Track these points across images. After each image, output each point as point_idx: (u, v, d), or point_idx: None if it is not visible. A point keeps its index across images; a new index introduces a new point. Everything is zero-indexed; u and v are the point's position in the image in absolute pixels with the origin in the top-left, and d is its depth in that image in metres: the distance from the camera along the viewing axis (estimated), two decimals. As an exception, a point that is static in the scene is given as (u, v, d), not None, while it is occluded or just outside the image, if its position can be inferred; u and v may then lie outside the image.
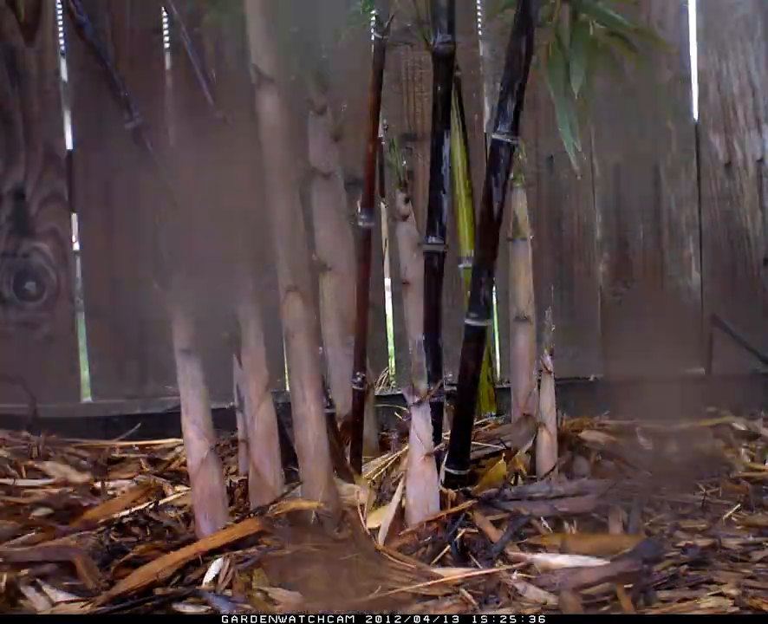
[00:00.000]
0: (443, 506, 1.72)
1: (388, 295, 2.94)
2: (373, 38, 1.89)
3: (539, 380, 1.98)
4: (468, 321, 1.81)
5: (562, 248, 2.90)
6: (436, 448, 1.76)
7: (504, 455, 1.96)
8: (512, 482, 1.87)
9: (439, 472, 1.77)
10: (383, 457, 1.92)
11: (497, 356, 2.77)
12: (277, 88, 1.70)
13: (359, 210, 1.94)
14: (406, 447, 1.78)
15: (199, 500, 1.70)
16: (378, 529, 1.67)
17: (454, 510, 1.70)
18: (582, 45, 1.87)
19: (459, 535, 1.63)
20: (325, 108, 1.95)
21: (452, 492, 1.76)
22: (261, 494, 1.72)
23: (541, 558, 1.60)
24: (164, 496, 1.98)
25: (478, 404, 2.21)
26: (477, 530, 1.66)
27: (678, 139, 2.90)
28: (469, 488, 1.81)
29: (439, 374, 1.86)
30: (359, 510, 1.70)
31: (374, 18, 1.88)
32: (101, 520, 1.84)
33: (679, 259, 2.92)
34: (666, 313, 2.92)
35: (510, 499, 1.77)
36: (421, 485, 1.73)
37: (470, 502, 1.73)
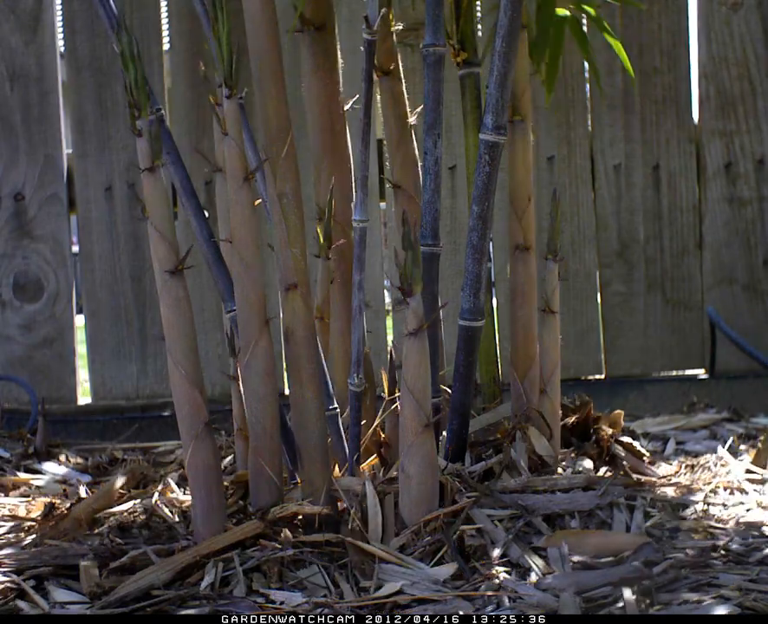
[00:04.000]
0: (442, 498, 1.67)
1: (387, 294, 2.94)
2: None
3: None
4: (461, 322, 1.80)
5: (563, 248, 2.89)
6: (435, 418, 1.61)
7: (501, 438, 1.91)
8: (504, 469, 1.82)
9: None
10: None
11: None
12: None
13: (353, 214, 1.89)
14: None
15: (194, 480, 1.65)
16: (377, 528, 1.66)
17: (454, 507, 1.67)
18: (547, 19, 1.86)
19: (459, 533, 1.62)
20: None
21: (451, 482, 1.70)
22: (261, 489, 1.69)
23: (541, 559, 1.59)
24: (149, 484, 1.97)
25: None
26: (476, 530, 1.65)
27: (678, 139, 2.90)
28: (468, 470, 1.77)
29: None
30: (355, 511, 1.68)
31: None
32: (97, 514, 1.83)
33: (679, 260, 2.92)
34: (666, 314, 2.92)
35: (512, 492, 1.74)
36: (419, 463, 1.61)
37: (470, 499, 1.69)
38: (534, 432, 1.87)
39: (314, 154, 1.94)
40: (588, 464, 1.93)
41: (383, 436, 1.84)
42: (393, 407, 1.79)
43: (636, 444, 2.05)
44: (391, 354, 1.87)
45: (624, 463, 1.98)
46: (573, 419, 2.00)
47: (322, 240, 1.86)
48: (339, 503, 1.70)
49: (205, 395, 1.65)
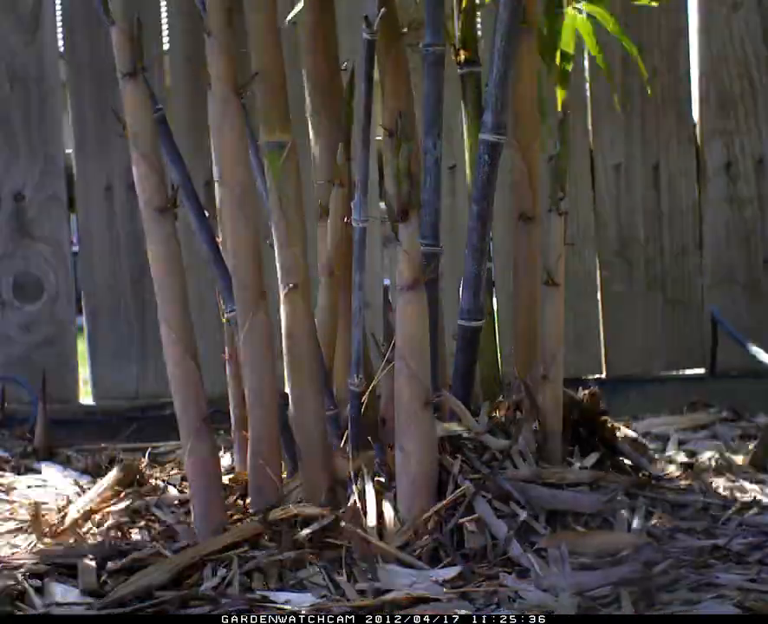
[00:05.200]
0: (442, 488, 1.63)
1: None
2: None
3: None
4: (461, 322, 1.80)
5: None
6: (436, 397, 1.49)
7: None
8: (507, 458, 1.79)
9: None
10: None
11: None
12: None
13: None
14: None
15: (193, 479, 1.66)
16: (377, 526, 1.65)
17: (454, 496, 1.62)
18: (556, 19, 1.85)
19: (459, 528, 1.60)
20: None
21: (452, 463, 1.64)
22: (261, 489, 1.69)
23: (541, 558, 1.59)
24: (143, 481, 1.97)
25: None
26: (477, 525, 1.64)
27: (678, 139, 2.90)
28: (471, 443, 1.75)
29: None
30: (354, 508, 1.67)
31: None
32: (96, 513, 1.83)
33: (679, 260, 2.91)
34: (666, 314, 2.91)
35: (519, 480, 1.72)
36: (417, 443, 1.53)
37: (471, 488, 1.65)
38: (538, 420, 1.84)
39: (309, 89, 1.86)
40: (593, 457, 1.91)
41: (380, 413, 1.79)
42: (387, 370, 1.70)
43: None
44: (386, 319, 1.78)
45: (628, 462, 1.97)
46: (579, 411, 1.97)
47: (340, 156, 1.69)
48: (338, 495, 1.70)
49: (200, 365, 1.60)
